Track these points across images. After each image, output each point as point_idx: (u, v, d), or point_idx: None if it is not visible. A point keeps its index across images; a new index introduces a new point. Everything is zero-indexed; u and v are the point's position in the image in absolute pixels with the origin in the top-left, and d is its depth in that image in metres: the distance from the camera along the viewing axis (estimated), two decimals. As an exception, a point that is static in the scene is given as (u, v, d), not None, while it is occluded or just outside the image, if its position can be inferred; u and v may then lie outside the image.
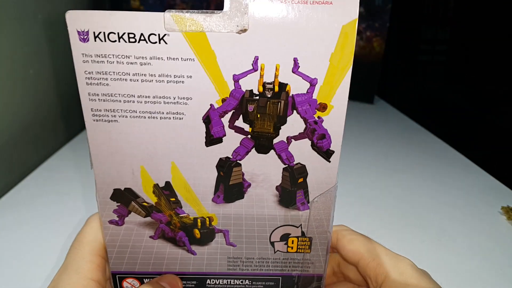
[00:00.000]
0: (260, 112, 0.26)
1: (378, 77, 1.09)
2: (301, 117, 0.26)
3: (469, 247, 0.34)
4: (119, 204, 0.28)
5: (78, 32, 0.22)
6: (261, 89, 0.25)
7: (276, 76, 0.24)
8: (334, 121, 0.26)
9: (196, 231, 0.30)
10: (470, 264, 0.31)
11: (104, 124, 0.25)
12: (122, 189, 0.28)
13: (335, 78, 0.25)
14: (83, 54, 0.23)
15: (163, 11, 0.22)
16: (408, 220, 0.42)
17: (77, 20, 0.22)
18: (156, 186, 0.28)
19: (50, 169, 0.47)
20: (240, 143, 0.27)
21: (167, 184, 0.28)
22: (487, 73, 0.57)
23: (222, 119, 0.26)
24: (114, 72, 0.24)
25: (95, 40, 0.23)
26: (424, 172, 0.54)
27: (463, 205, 0.43)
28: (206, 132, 0.26)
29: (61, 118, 0.56)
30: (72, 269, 0.25)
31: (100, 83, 0.24)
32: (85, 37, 0.22)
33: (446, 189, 0.48)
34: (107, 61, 0.23)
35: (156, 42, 0.23)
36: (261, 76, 0.24)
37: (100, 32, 0.22)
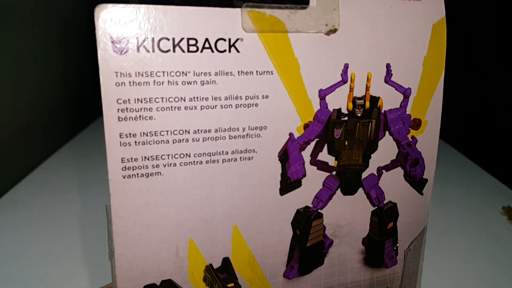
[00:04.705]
0: (349, 138, 0.21)
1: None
2: (394, 139, 0.22)
3: (470, 247, 0.35)
4: None
5: (112, 38, 0.16)
6: (350, 106, 0.21)
7: (367, 88, 0.21)
8: (428, 141, 0.23)
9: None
10: (470, 264, 0.32)
11: (140, 181, 0.18)
12: (158, 283, 0.20)
13: (428, 86, 0.22)
14: (117, 73, 0.17)
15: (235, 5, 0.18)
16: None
17: (111, 18, 0.16)
18: (208, 268, 0.21)
19: (50, 169, 0.49)
20: (322, 185, 0.22)
21: (225, 262, 0.21)
22: (487, 72, 0.62)
23: (302, 152, 0.21)
24: (163, 99, 0.17)
25: (138, 50, 0.17)
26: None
27: (463, 205, 0.46)
28: (281, 175, 0.21)
29: (61, 118, 0.57)
30: None
31: (140, 116, 0.17)
32: (124, 45, 0.16)
33: (446, 189, 0.49)
34: (154, 82, 0.17)
35: (225, 51, 0.18)
36: (351, 89, 0.21)
37: (146, 38, 0.17)
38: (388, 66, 0.21)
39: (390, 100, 0.22)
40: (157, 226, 0.19)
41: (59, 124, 0.55)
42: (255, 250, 0.22)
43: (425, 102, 0.23)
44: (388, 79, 0.21)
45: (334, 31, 0.20)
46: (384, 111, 0.22)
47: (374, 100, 0.22)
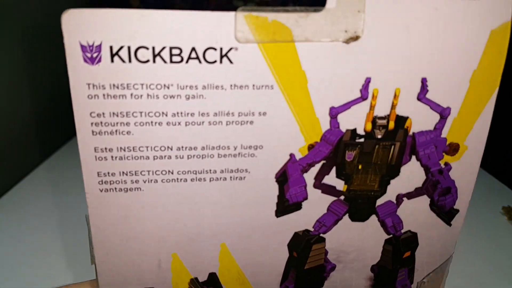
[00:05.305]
0: (363, 161, 0.19)
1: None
2: (422, 164, 0.19)
3: (470, 247, 0.35)
4: None
5: (82, 47, 0.14)
6: (369, 126, 0.18)
7: (393, 107, 0.17)
8: (466, 169, 0.20)
9: None
10: (470, 265, 0.33)
11: (119, 195, 0.17)
12: (140, 291, 0.20)
13: (474, 107, 0.18)
14: (89, 84, 0.15)
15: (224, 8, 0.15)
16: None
17: (81, 24, 0.14)
18: (193, 281, 0.20)
19: (49, 169, 0.50)
20: (327, 209, 0.19)
21: (212, 277, 0.20)
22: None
23: (304, 174, 0.18)
24: (141, 113, 0.16)
25: (112, 60, 0.15)
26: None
27: (463, 205, 0.45)
28: (278, 196, 0.19)
29: (60, 118, 0.57)
30: None
31: (116, 131, 0.16)
32: (95, 55, 0.14)
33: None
34: (132, 95, 0.15)
35: (215, 62, 0.15)
36: (372, 107, 0.17)
37: (122, 47, 0.15)
38: (424, 80, 0.17)
39: (421, 121, 0.18)
40: (138, 240, 0.18)
41: (59, 124, 0.55)
42: (245, 268, 0.20)
43: (468, 125, 0.19)
44: (422, 96, 0.18)
45: (355, 38, 0.16)
46: (413, 133, 0.19)
47: (401, 120, 0.18)
